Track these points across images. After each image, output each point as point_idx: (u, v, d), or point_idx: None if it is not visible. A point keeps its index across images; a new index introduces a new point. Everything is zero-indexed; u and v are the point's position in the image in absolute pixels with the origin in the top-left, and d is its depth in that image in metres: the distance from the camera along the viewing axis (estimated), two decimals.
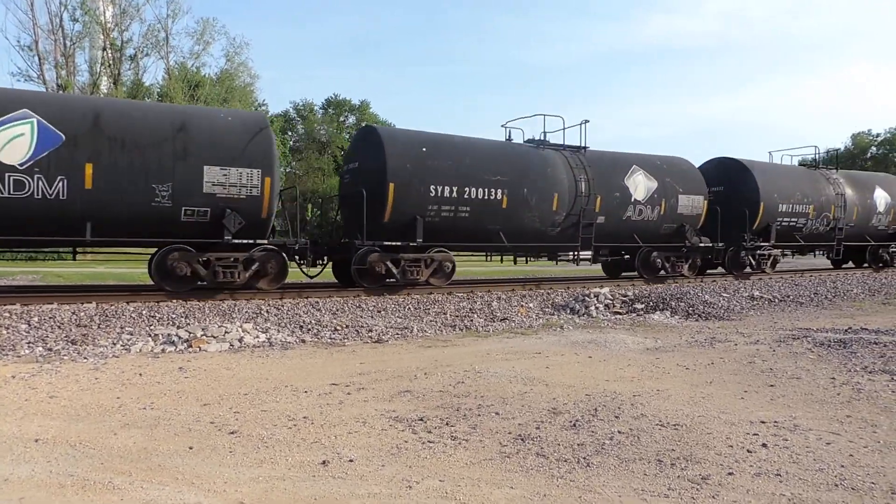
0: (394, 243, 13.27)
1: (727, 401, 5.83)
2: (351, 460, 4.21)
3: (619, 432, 4.82)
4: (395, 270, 13.22)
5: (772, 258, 19.87)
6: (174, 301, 11.02)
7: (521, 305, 12.46)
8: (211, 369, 7.04)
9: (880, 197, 22.96)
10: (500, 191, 14.22)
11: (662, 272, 17.35)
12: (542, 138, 16.09)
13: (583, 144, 16.36)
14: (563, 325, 10.88)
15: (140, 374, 6.69)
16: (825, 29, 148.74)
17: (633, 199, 16.38)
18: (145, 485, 3.76)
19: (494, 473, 4.03)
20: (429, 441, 4.63)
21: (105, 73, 36.97)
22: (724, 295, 14.05)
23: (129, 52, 38.09)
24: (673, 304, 12.57)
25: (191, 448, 4.42)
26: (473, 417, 5.21)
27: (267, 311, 10.49)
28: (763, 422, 5.14)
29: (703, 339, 9.35)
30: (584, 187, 15.50)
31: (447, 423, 5.05)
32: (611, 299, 12.79)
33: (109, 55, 36.92)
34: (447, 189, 13.58)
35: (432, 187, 13.43)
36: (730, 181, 19.46)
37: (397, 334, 9.63)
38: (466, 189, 13.81)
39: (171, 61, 39.55)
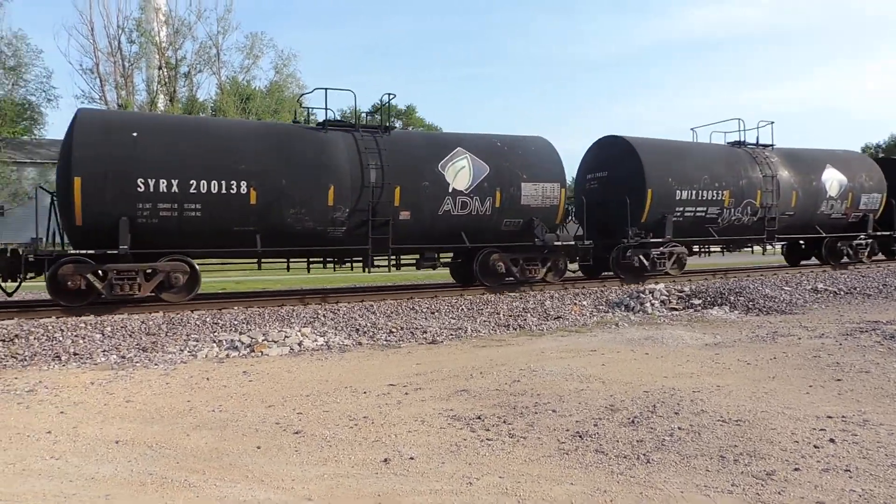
0: (91, 252, 10.74)
1: (791, 396, 5.69)
2: (412, 458, 4.31)
3: (679, 428, 4.78)
4: (98, 285, 10.69)
5: (674, 257, 16.01)
6: (236, 308, 11.41)
7: (575, 304, 12.38)
8: (273, 372, 7.28)
9: (831, 178, 18.47)
10: (245, 183, 11.45)
11: (511, 278, 14.04)
12: (332, 117, 13.35)
13: (385, 123, 13.45)
14: (619, 323, 10.77)
15: (207, 379, 6.98)
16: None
17: (450, 190, 13.05)
18: (218, 482, 3.94)
19: (553, 470, 4.06)
20: (487, 439, 4.69)
21: (161, 91, 38.43)
22: (786, 288, 13.63)
23: (183, 70, 39.49)
24: (731, 298, 12.27)
25: (259, 448, 4.61)
26: (530, 415, 5.25)
27: (324, 316, 10.75)
28: (830, 417, 5.00)
29: (765, 333, 9.11)
30: (374, 176, 12.43)
31: (504, 421, 5.10)
32: (667, 295, 12.58)
33: (165, 74, 38.36)
34: (164, 183, 10.92)
35: (141, 181, 10.80)
36: (613, 164, 16.01)
37: (451, 335, 9.72)
38: (193, 182, 11.10)
39: (222, 76, 40.79)
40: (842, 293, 13.61)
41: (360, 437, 4.82)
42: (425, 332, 9.83)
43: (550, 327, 10.52)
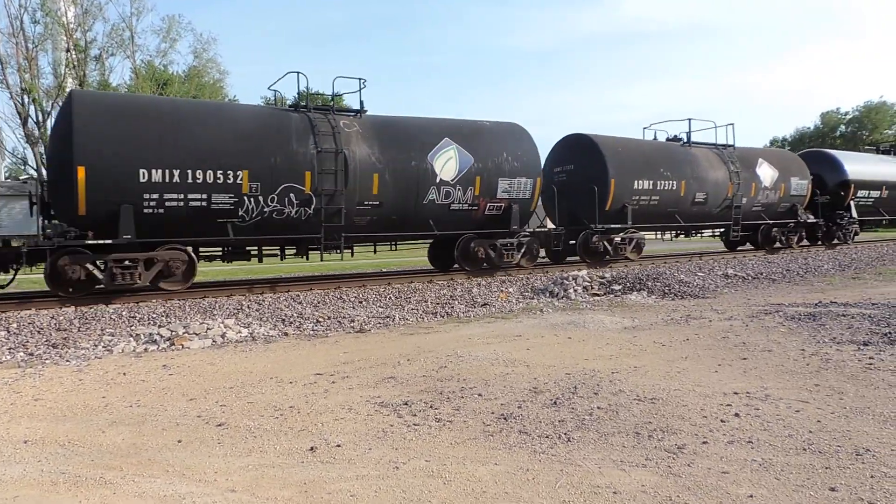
0: None
1: (702, 374, 6.02)
2: (338, 445, 4.30)
3: (598, 408, 4.97)
4: None
5: (157, 266, 11.50)
6: (154, 300, 10.98)
7: (502, 290, 12.61)
8: (195, 365, 7.07)
9: (445, 158, 14.08)
10: None
11: None
12: None
13: None
14: (543, 309, 11.05)
15: (124, 374, 6.71)
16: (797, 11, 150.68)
17: None
18: (136, 478, 3.82)
19: (479, 451, 4.15)
20: (414, 424, 4.74)
21: (70, 74, 36.15)
22: (700, 274, 14.34)
23: (93, 53, 37.30)
24: (650, 284, 12.81)
25: (179, 441, 4.49)
26: (457, 400, 5.33)
27: (248, 307, 10.51)
28: (736, 393, 5.33)
29: (679, 316, 9.57)
30: None
31: (431, 406, 5.16)
32: (589, 281, 13.00)
33: (73, 56, 36.10)
34: None
35: None
36: (54, 136, 11.49)
37: (379, 323, 9.72)
38: None
39: (137, 60, 38.80)
40: (750, 278, 14.44)
41: (286, 426, 4.77)
42: (353, 320, 9.79)
43: (477, 314, 10.68)
